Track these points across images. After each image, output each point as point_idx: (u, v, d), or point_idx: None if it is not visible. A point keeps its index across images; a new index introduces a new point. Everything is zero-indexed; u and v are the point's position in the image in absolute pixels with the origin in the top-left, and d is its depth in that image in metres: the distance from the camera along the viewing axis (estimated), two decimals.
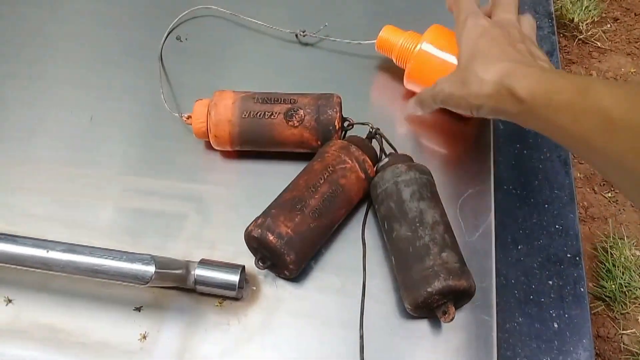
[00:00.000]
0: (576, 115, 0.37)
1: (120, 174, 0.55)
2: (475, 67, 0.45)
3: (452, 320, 0.43)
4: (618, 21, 1.81)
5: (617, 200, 1.46)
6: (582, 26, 1.76)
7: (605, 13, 1.81)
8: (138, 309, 0.48)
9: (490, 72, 0.44)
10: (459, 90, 0.47)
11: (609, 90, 0.36)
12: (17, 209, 0.53)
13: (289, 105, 0.52)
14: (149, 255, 0.43)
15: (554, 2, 0.81)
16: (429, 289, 0.43)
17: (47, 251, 0.42)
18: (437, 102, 0.50)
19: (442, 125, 0.58)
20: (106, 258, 0.42)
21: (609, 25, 1.79)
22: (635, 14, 1.82)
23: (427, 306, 0.44)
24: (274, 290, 0.49)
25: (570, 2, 1.77)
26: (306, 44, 0.63)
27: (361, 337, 0.46)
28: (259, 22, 0.63)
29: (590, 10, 1.77)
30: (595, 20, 1.79)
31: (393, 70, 0.60)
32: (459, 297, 0.45)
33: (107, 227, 0.52)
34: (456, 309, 0.45)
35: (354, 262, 0.49)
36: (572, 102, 0.38)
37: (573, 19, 1.75)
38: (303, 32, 0.62)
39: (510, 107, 0.43)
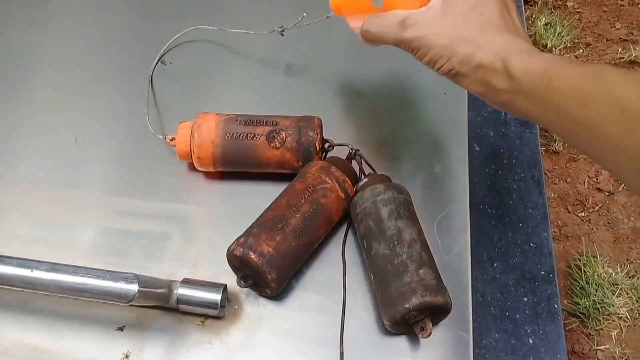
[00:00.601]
0: (583, 100, 0.35)
1: (104, 195, 0.55)
2: (474, 30, 0.41)
3: (429, 336, 0.45)
4: (590, 46, 1.87)
5: (590, 220, 1.49)
6: (555, 51, 1.81)
7: (577, 39, 1.87)
8: (121, 329, 0.48)
9: (492, 42, 0.40)
10: (443, 47, 0.41)
11: (622, 76, 0.34)
12: (1, 230, 0.53)
13: (271, 127, 0.53)
14: (133, 274, 0.43)
15: (527, 28, 0.85)
16: (407, 305, 0.44)
17: (32, 270, 0.42)
18: (403, 46, 0.44)
19: (419, 145, 0.59)
20: (90, 277, 0.43)
21: (581, 51, 1.85)
22: (606, 39, 1.88)
23: (405, 322, 0.45)
24: (255, 309, 0.49)
25: (544, 28, 1.83)
26: (290, 69, 0.65)
27: (341, 354, 0.47)
28: (243, 31, 0.63)
29: (563, 36, 1.82)
30: (568, 45, 1.84)
31: (373, 94, 0.62)
32: (436, 313, 0.46)
33: (91, 247, 0.52)
34: (433, 325, 0.46)
35: (334, 280, 0.50)
36: (578, 86, 0.35)
37: (547, 44, 1.80)
38: (280, 28, 0.62)
39: (498, 82, 0.39)
